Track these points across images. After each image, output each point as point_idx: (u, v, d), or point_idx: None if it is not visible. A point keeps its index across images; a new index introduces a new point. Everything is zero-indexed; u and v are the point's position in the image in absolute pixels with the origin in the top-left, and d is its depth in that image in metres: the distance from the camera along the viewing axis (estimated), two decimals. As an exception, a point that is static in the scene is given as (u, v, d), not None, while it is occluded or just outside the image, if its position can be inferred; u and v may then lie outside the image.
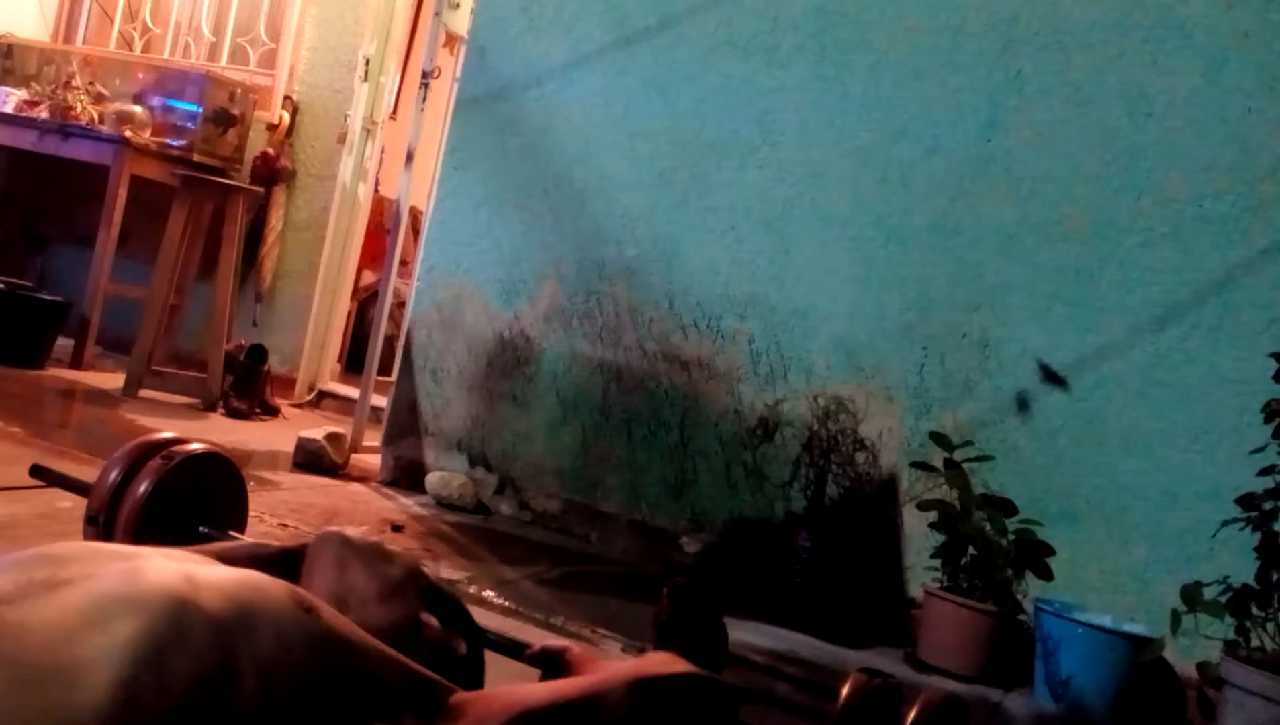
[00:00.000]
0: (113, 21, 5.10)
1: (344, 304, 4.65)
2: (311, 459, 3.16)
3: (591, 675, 1.07)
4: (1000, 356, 2.66)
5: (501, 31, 3.25)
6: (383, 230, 4.81)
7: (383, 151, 4.71)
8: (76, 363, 4.03)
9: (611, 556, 2.94)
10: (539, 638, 2.03)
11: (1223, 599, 2.14)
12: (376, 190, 4.88)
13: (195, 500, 1.58)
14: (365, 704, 0.92)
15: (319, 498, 2.82)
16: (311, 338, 4.45)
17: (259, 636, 0.86)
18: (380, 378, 3.68)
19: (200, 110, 4.27)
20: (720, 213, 2.92)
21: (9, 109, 4.40)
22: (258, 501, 2.58)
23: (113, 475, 1.51)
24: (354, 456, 3.35)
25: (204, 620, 0.83)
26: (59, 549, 0.93)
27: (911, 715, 1.17)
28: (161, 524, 1.50)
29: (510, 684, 1.09)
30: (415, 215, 4.86)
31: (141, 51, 5.01)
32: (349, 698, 0.91)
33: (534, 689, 1.02)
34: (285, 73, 4.63)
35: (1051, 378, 2.60)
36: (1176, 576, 2.29)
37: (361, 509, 2.81)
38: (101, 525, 1.49)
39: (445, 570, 2.36)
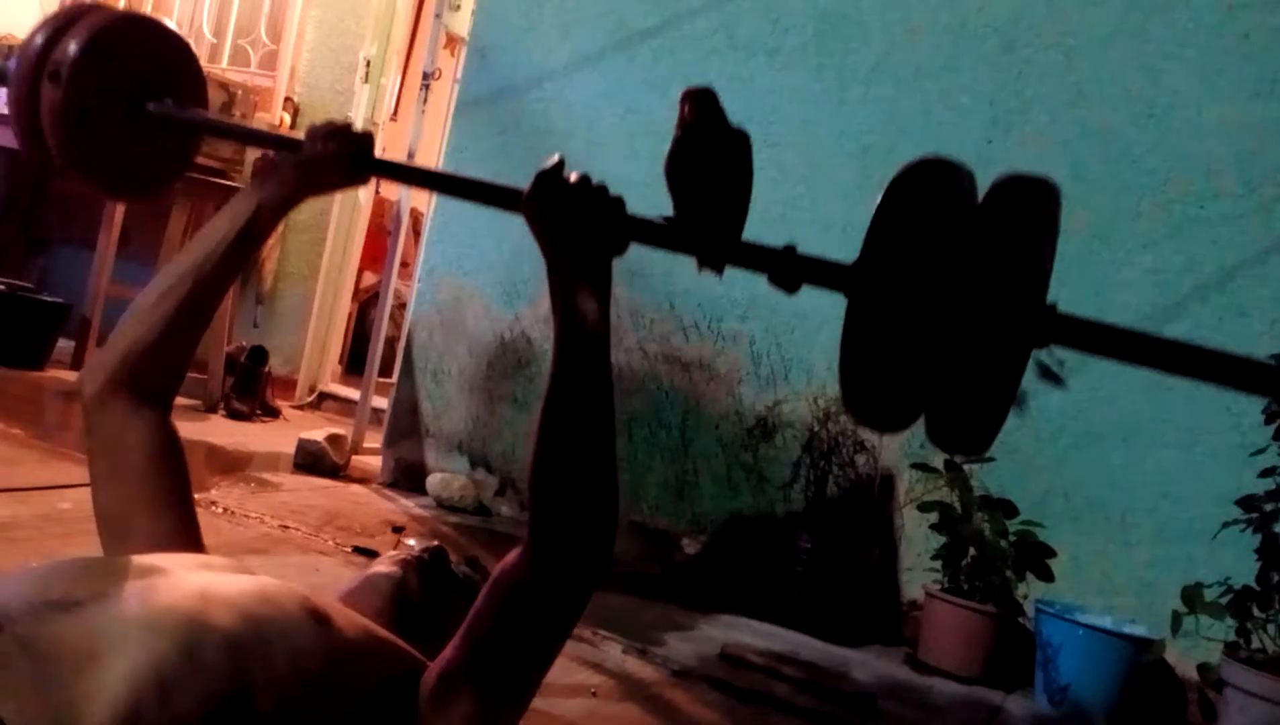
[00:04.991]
0: (114, 23, 5.10)
1: (345, 305, 4.65)
2: (312, 460, 3.16)
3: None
4: (1001, 358, 2.66)
5: (502, 33, 3.25)
6: (383, 232, 4.81)
7: (383, 153, 4.71)
8: (78, 364, 4.02)
9: (612, 557, 2.93)
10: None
11: (1223, 600, 2.15)
12: (377, 192, 4.88)
13: (140, 68, 1.31)
14: (376, 709, 0.91)
15: (320, 499, 2.82)
16: (312, 339, 4.45)
17: (273, 653, 0.85)
18: (381, 379, 3.68)
19: (201, 112, 4.27)
20: (721, 214, 2.91)
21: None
22: (259, 503, 2.59)
23: (38, 39, 1.24)
24: (355, 458, 3.35)
25: (217, 641, 0.83)
26: (75, 564, 0.93)
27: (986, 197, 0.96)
28: (100, 96, 1.26)
29: None
30: (416, 217, 4.86)
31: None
32: (361, 704, 0.90)
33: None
34: (286, 74, 4.63)
35: (1052, 378, 2.60)
36: (1177, 578, 2.28)
37: (362, 511, 2.81)
38: (26, 105, 1.24)
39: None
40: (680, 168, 1.08)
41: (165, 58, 1.36)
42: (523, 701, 0.98)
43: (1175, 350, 0.94)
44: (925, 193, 0.95)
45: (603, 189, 1.04)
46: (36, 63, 1.24)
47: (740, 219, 1.08)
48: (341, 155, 1.21)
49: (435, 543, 1.27)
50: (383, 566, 1.21)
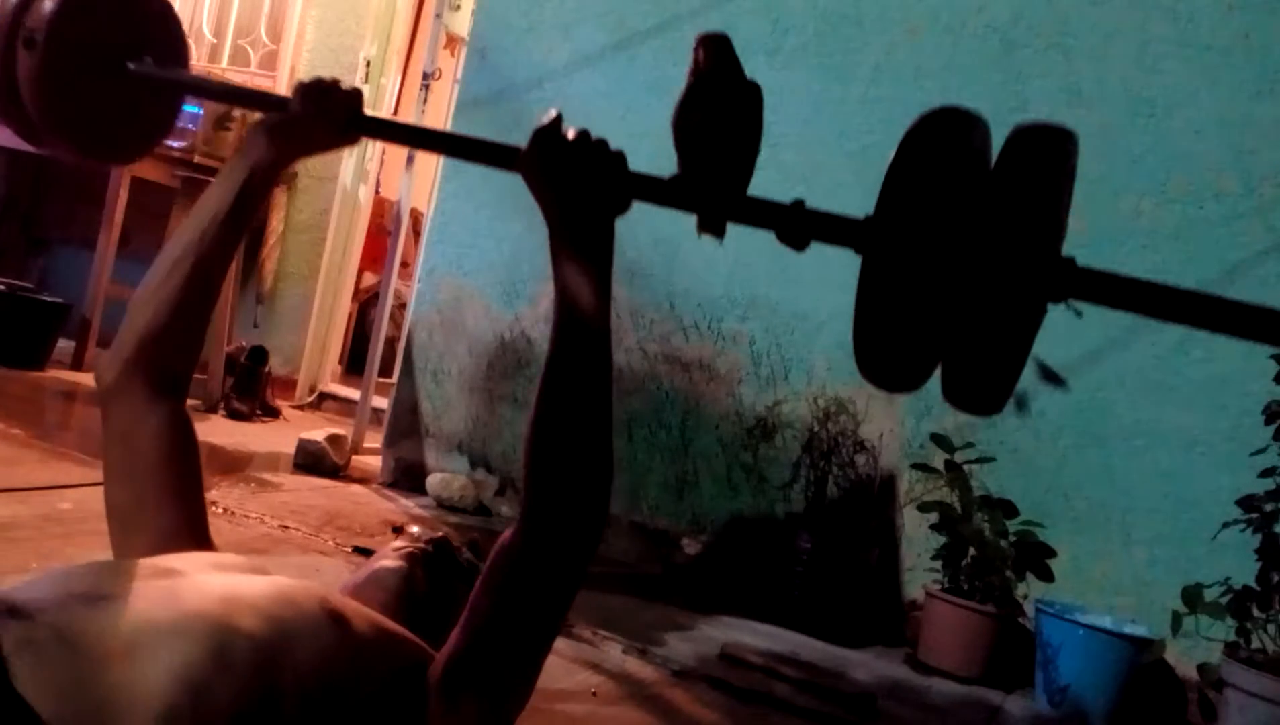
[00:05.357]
0: (114, 23, 5.10)
1: (345, 305, 4.66)
2: (312, 460, 3.16)
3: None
4: (1001, 358, 2.66)
5: (502, 33, 3.25)
6: (383, 232, 4.81)
7: (383, 153, 4.71)
8: (78, 364, 4.03)
9: (612, 557, 2.94)
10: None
11: (1223, 600, 2.15)
12: (377, 192, 4.89)
13: (118, 28, 1.26)
14: (389, 702, 0.92)
15: (320, 499, 2.82)
16: (312, 339, 4.45)
17: (298, 655, 0.85)
18: (381, 379, 3.68)
19: (201, 112, 4.27)
20: (721, 214, 2.91)
21: (10, 111, 4.39)
22: (259, 503, 2.59)
23: (11, 1, 1.20)
24: (355, 458, 3.35)
25: (244, 645, 0.83)
26: (93, 565, 0.93)
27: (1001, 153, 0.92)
28: (78, 59, 1.22)
29: None
30: (416, 217, 4.87)
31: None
32: (375, 699, 0.91)
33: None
34: (286, 74, 4.63)
35: (1052, 378, 2.60)
36: (1177, 578, 2.28)
37: (362, 511, 2.81)
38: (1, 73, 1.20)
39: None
40: (690, 116, 1.03)
41: (143, 14, 1.31)
42: (528, 684, 0.98)
43: (1193, 301, 0.92)
44: (940, 143, 0.92)
45: (603, 144, 1.01)
46: (10, 28, 1.19)
47: (747, 174, 1.03)
48: (331, 114, 1.16)
49: (439, 533, 1.27)
50: (388, 560, 1.20)
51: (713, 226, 1.05)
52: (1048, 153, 0.92)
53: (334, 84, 1.17)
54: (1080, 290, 0.90)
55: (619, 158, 1.02)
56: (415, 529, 1.27)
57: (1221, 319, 0.91)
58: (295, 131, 1.18)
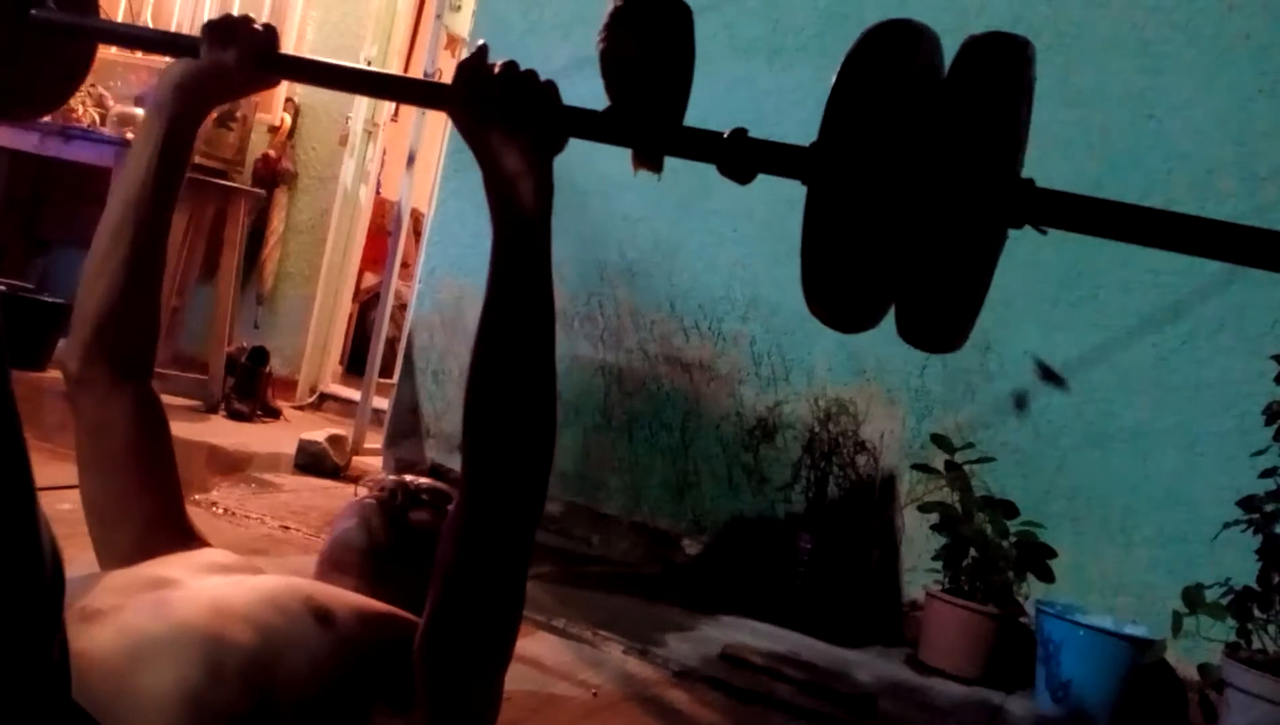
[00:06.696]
0: (114, 24, 5.10)
1: (345, 306, 4.66)
2: (313, 461, 3.16)
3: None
4: (1001, 358, 2.66)
5: (502, 33, 3.25)
6: (384, 232, 4.81)
7: (384, 154, 4.71)
8: (78, 365, 4.03)
9: (613, 558, 2.94)
10: (540, 639, 2.04)
11: (1224, 601, 2.15)
12: (378, 192, 4.89)
13: None
14: (379, 695, 0.92)
15: (321, 500, 2.82)
16: (313, 340, 4.45)
17: (290, 664, 0.86)
18: (382, 380, 3.68)
19: (201, 112, 4.27)
20: (722, 215, 2.92)
21: (11, 111, 4.39)
22: (260, 503, 2.59)
23: None
24: (355, 458, 3.35)
25: (236, 660, 0.83)
26: (83, 579, 0.93)
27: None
28: None
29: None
30: (416, 217, 4.86)
31: (143, 54, 5.00)
32: (366, 695, 0.91)
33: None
34: (286, 75, 4.62)
35: (1052, 379, 2.60)
36: (1178, 578, 2.28)
37: (363, 511, 2.81)
38: None
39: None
40: (617, 44, 0.97)
41: None
42: (502, 645, 0.96)
43: (1161, 220, 0.87)
44: (886, 59, 0.86)
45: (531, 74, 0.97)
46: None
47: (682, 102, 0.98)
48: (243, 56, 1.10)
49: (393, 479, 1.24)
50: (345, 520, 1.19)
51: (650, 160, 1.00)
52: (1002, 64, 0.85)
53: (243, 21, 1.11)
54: (1041, 213, 0.85)
55: (550, 88, 0.97)
56: (378, 475, 1.27)
57: (1190, 240, 0.86)
58: (205, 78, 1.12)
